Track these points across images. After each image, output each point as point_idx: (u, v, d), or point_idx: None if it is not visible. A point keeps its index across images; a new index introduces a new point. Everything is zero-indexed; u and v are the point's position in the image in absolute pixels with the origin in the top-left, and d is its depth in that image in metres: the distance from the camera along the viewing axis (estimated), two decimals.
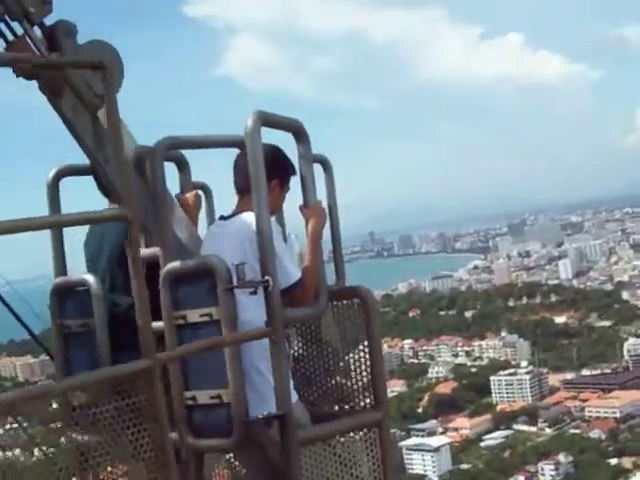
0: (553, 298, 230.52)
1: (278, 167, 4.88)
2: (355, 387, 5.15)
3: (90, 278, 5.00)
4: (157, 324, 4.44)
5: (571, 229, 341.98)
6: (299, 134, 4.80)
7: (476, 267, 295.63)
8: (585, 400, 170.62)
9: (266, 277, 4.37)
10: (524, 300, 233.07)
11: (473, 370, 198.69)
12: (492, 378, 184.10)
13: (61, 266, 5.47)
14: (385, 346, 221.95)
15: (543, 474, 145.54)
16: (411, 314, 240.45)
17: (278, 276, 4.52)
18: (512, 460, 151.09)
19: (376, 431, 4.97)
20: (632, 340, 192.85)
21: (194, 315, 4.45)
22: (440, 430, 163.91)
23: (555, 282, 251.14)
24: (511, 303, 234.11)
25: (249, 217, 4.68)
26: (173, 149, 4.97)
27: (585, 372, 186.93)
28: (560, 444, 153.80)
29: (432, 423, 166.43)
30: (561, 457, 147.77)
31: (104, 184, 5.10)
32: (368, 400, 5.10)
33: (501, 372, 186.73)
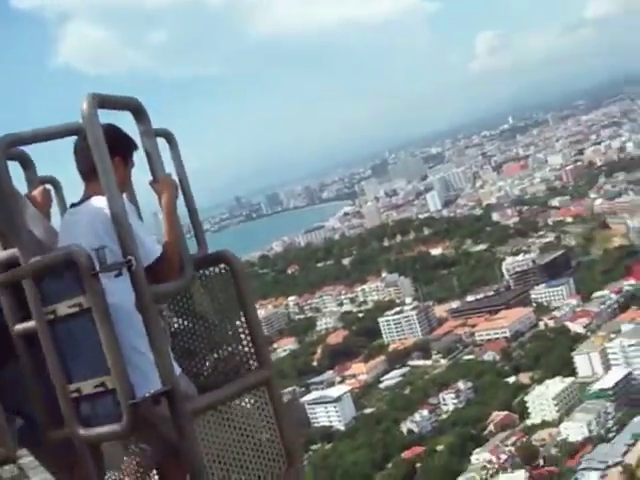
0: (426, 231, 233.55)
1: (117, 144, 4.68)
2: (237, 352, 5.06)
3: None
4: (26, 325, 4.58)
5: (433, 161, 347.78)
6: (137, 111, 4.71)
7: (346, 214, 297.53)
8: (474, 325, 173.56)
9: (128, 257, 4.29)
10: (398, 238, 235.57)
11: (360, 315, 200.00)
12: (380, 320, 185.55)
13: None
14: (270, 306, 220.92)
15: (445, 404, 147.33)
16: (290, 271, 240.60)
17: (139, 254, 4.44)
18: (413, 396, 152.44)
19: (265, 390, 4.93)
20: (509, 259, 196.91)
21: (63, 307, 4.31)
22: (338, 379, 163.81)
23: (425, 215, 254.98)
24: (386, 243, 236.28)
25: (99, 200, 4.61)
26: (13, 146, 4.78)
27: (469, 298, 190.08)
28: (457, 372, 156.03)
29: (329, 374, 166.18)
30: (460, 384, 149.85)
31: None
32: (253, 363, 5.01)
33: (388, 312, 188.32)
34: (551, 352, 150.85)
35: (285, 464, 5.02)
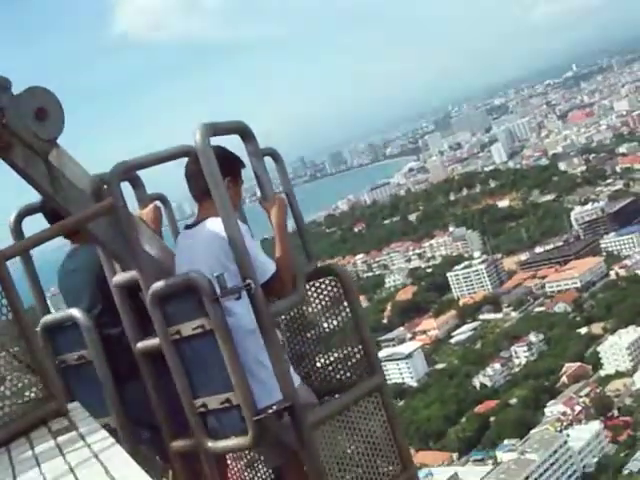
0: (492, 184, 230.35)
1: (227, 165, 4.80)
2: (348, 358, 5.26)
3: (77, 313, 5.16)
4: (148, 343, 4.91)
5: (496, 112, 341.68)
6: (245, 134, 4.91)
7: (411, 169, 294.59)
8: (544, 277, 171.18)
9: (247, 281, 4.49)
10: (464, 192, 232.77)
11: (429, 271, 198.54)
12: (449, 274, 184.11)
13: (42, 303, 5.67)
14: None
15: (517, 357, 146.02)
16: (357, 229, 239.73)
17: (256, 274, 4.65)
18: (485, 350, 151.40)
19: (378, 395, 5.10)
20: (578, 209, 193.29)
21: (187, 329, 4.57)
22: (409, 336, 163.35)
23: (491, 168, 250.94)
24: (452, 197, 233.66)
25: (215, 223, 4.77)
26: (127, 174, 5.02)
27: (538, 249, 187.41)
28: (528, 325, 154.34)
29: (400, 331, 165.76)
30: (532, 337, 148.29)
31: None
32: (363, 368, 5.22)
33: (456, 267, 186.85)
34: (623, 301, 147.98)
35: (399, 466, 5.19)
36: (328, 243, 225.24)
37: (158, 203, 5.77)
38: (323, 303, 5.43)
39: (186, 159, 5.16)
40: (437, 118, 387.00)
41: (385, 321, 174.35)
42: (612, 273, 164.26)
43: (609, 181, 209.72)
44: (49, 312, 5.66)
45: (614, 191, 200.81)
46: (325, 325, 5.49)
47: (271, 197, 5.07)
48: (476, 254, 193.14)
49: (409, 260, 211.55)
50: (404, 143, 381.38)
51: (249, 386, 4.61)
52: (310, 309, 5.49)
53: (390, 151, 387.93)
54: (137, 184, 5.58)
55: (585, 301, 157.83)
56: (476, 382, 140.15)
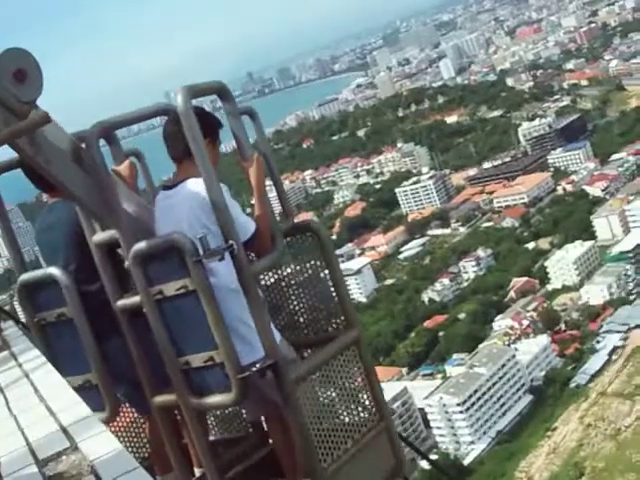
0: (440, 99, 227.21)
1: (206, 127, 4.78)
2: (323, 311, 5.33)
3: (56, 271, 5.13)
4: (129, 300, 4.92)
5: (445, 28, 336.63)
6: (223, 93, 4.89)
7: (359, 85, 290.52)
8: (492, 192, 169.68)
9: (230, 242, 4.53)
10: (412, 108, 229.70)
11: (377, 187, 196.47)
12: (397, 190, 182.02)
13: (19, 261, 5.62)
14: (286, 182, 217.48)
15: (466, 272, 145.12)
16: (305, 145, 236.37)
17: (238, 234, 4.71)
18: (433, 265, 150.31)
19: (355, 349, 5.18)
20: (525, 125, 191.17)
21: (170, 289, 4.60)
22: (358, 252, 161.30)
23: (439, 83, 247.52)
24: (400, 113, 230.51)
25: (196, 184, 4.76)
26: (105, 133, 5.02)
27: (486, 165, 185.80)
28: (476, 240, 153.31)
29: (349, 247, 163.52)
30: (480, 252, 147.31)
31: (46, 181, 5.01)
32: (338, 321, 5.29)
33: (405, 183, 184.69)
34: (570, 216, 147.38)
35: (376, 416, 5.21)
36: (276, 159, 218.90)
37: (133, 159, 5.56)
38: (300, 258, 5.36)
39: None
40: (385, 34, 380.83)
41: (334, 237, 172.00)
42: (559, 188, 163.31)
43: (556, 97, 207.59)
44: (26, 270, 5.49)
45: (561, 107, 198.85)
46: (302, 280, 5.39)
47: (249, 157, 5.00)
48: (424, 170, 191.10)
49: (358, 176, 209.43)
50: (352, 59, 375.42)
51: (232, 344, 4.59)
52: (287, 265, 5.40)
53: (338, 67, 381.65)
54: (112, 141, 5.38)
55: (532, 216, 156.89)
56: (425, 297, 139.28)
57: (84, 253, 5.12)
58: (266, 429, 5.62)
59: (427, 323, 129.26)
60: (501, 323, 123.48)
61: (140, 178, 5.70)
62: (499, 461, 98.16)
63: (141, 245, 4.67)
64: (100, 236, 5.03)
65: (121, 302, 4.99)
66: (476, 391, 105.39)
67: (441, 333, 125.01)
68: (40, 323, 5.40)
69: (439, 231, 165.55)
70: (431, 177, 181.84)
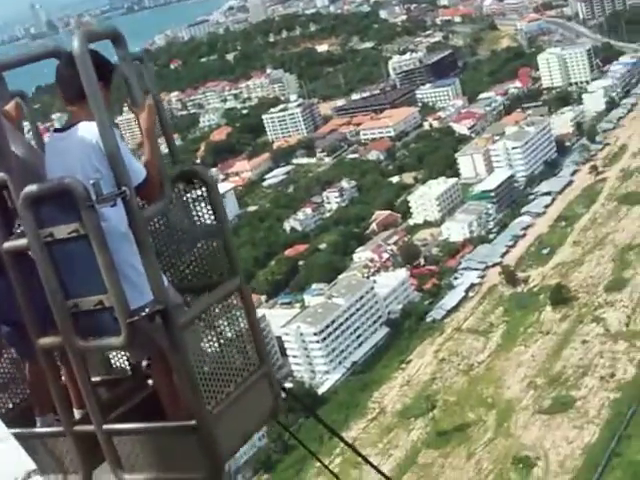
0: (312, 27, 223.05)
1: (100, 70, 4.67)
2: (206, 257, 5.37)
3: None
4: (16, 242, 4.80)
5: None
6: (117, 39, 4.77)
7: (231, 8, 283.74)
8: (359, 124, 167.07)
9: (123, 188, 4.52)
10: (284, 34, 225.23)
11: (244, 112, 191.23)
12: (264, 117, 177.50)
13: None
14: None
15: (329, 202, 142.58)
16: (172, 66, 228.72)
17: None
18: (297, 194, 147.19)
19: (238, 295, 5.25)
20: (396, 58, 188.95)
21: (61, 232, 4.56)
22: (222, 177, 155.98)
23: (312, 11, 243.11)
24: (271, 39, 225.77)
25: (89, 128, 4.69)
26: None
27: (355, 96, 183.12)
28: (341, 171, 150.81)
29: (213, 172, 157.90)
30: (344, 183, 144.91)
31: None
32: (222, 268, 5.32)
33: (272, 109, 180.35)
34: (435, 152, 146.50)
35: (257, 361, 5.26)
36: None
37: (18, 99, 5.48)
38: (186, 205, 5.34)
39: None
40: None
41: (198, 161, 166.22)
42: (426, 124, 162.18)
43: (429, 32, 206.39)
44: None
45: (433, 43, 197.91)
46: (187, 226, 5.39)
47: (140, 102, 4.89)
48: (292, 97, 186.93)
49: (225, 100, 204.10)
50: None
51: (122, 289, 4.56)
52: (174, 211, 5.32)
53: None
54: None
55: (398, 150, 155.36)
56: (287, 226, 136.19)
57: None
58: (145, 371, 5.57)
59: (288, 252, 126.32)
60: (361, 255, 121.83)
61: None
62: (353, 391, 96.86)
63: (32, 188, 4.60)
64: None
65: (7, 244, 4.85)
66: (333, 321, 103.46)
67: (301, 262, 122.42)
68: None
69: (304, 160, 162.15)
70: (299, 105, 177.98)
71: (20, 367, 5.68)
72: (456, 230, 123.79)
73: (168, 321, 4.66)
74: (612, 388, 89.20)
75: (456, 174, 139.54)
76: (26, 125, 5.85)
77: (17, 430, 5.03)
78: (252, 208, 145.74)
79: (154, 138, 4.93)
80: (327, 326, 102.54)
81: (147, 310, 4.60)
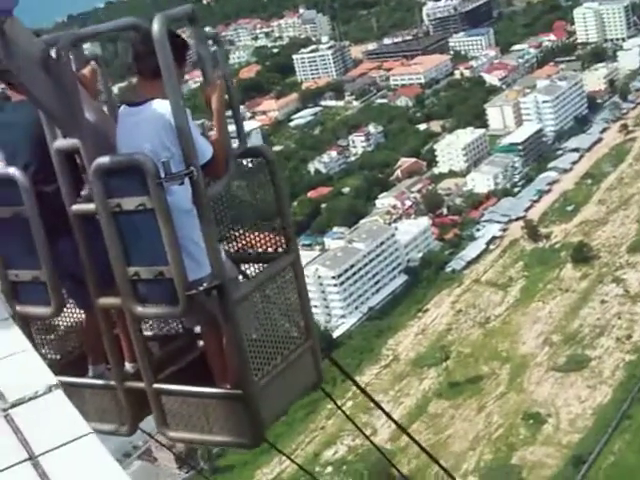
0: None
1: (175, 50, 4.76)
2: (266, 234, 5.50)
3: (16, 172, 5.12)
4: (84, 206, 4.99)
5: None
6: (193, 19, 4.94)
7: None
8: (389, 69, 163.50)
9: (191, 168, 4.62)
10: None
11: (275, 51, 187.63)
12: (295, 57, 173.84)
13: None
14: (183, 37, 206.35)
15: (355, 146, 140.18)
16: (205, 1, 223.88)
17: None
18: (323, 136, 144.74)
19: (292, 271, 5.33)
20: (430, 4, 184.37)
21: (129, 204, 4.68)
22: (248, 115, 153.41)
23: None
24: None
25: (162, 106, 4.78)
26: (75, 44, 5.08)
27: (387, 41, 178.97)
28: (368, 115, 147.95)
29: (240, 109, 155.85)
30: (371, 128, 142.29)
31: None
32: (278, 243, 5.44)
33: (303, 50, 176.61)
34: (464, 102, 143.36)
35: (304, 335, 5.37)
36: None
37: (93, 64, 5.49)
38: (249, 181, 5.45)
39: None
40: None
41: (226, 97, 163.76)
42: (457, 73, 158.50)
43: None
44: None
45: None
46: (248, 201, 5.53)
47: (213, 81, 5.02)
48: (324, 39, 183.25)
49: (256, 38, 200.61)
50: None
51: (184, 264, 4.67)
52: (236, 186, 5.46)
53: None
54: (76, 45, 5.25)
55: (427, 98, 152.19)
56: (311, 168, 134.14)
57: (44, 154, 5.06)
58: (196, 332, 5.73)
59: (311, 193, 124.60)
60: (384, 201, 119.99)
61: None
62: (368, 337, 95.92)
63: (104, 160, 4.72)
64: (61, 143, 5.00)
65: (76, 207, 5.04)
66: (352, 266, 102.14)
67: (323, 205, 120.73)
68: None
69: (332, 102, 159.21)
70: (330, 47, 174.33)
71: (75, 319, 5.86)
72: (481, 181, 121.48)
73: (223, 295, 4.78)
74: (628, 350, 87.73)
75: (484, 125, 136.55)
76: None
77: (70, 379, 5.33)
78: (277, 148, 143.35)
79: (223, 117, 4.96)
80: (346, 270, 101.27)
81: (205, 285, 4.73)
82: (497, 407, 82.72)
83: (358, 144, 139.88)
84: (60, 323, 5.93)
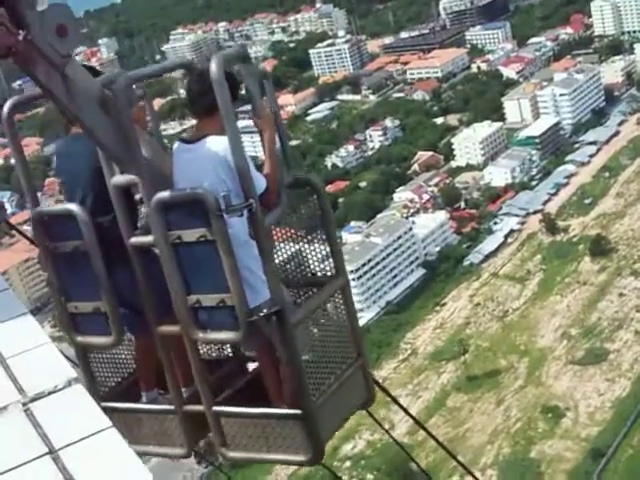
0: None
1: (231, 89, 4.96)
2: (315, 258, 5.65)
3: (75, 208, 5.31)
4: (143, 239, 5.21)
5: None
6: (245, 58, 5.17)
7: None
8: (406, 63, 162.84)
9: (250, 201, 4.80)
10: None
11: (291, 45, 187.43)
12: (311, 51, 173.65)
13: (34, 195, 5.75)
14: (200, 32, 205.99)
15: (372, 140, 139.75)
16: None
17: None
18: (340, 130, 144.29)
19: (342, 294, 5.52)
20: None
21: (190, 236, 4.89)
22: None
23: None
24: None
25: (218, 143, 5.01)
26: (132, 84, 5.25)
27: (403, 35, 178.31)
28: (386, 109, 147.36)
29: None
30: (388, 122, 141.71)
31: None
32: (328, 268, 5.62)
33: (319, 44, 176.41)
34: (482, 96, 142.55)
35: (355, 355, 5.57)
36: (190, 7, 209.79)
37: (142, 102, 5.76)
38: (297, 208, 5.63)
39: None
40: None
41: (242, 92, 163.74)
42: (474, 66, 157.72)
43: None
44: (37, 201, 5.67)
45: None
46: (297, 228, 5.73)
47: (263, 115, 5.19)
48: (340, 33, 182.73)
49: (272, 33, 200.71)
50: None
51: (244, 291, 4.84)
52: (287, 216, 5.62)
53: None
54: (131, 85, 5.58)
55: (444, 91, 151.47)
56: (328, 162, 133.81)
57: (102, 185, 5.25)
58: (245, 356, 6.00)
59: (328, 188, 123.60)
60: (401, 195, 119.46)
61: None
62: (386, 331, 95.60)
63: (165, 195, 4.92)
64: (119, 179, 5.22)
65: (134, 239, 5.24)
66: (370, 260, 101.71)
67: (341, 199, 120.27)
68: (52, 251, 5.51)
69: (349, 97, 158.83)
70: (347, 41, 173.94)
71: (128, 346, 6.01)
72: (498, 175, 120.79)
73: (282, 320, 4.98)
74: None
75: (501, 118, 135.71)
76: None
77: (127, 405, 5.70)
78: (294, 142, 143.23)
79: (274, 149, 5.16)
80: (363, 264, 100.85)
81: (265, 310, 4.93)
82: (515, 401, 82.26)
83: (375, 138, 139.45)
84: (115, 352, 6.07)
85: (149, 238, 5.12)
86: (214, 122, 4.95)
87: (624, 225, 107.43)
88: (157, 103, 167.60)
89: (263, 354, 5.55)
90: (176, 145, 5.34)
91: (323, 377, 5.30)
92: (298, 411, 5.11)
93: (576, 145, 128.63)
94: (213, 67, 4.73)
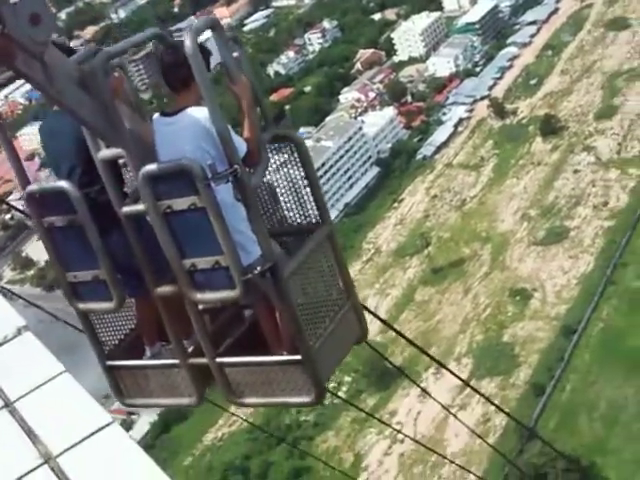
0: None
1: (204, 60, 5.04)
2: (299, 207, 5.73)
3: (66, 185, 5.33)
4: (134, 208, 5.22)
5: None
6: (215, 27, 5.11)
7: None
8: None
9: (235, 167, 4.83)
10: None
11: None
12: None
13: (23, 174, 5.75)
14: None
15: (311, 44, 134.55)
16: None
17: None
18: (278, 37, 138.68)
19: (328, 242, 5.58)
20: None
21: (180, 204, 4.92)
22: None
23: None
24: None
25: (197, 113, 5.02)
26: (109, 61, 5.21)
27: None
28: (322, 11, 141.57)
29: (191, 20, 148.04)
30: (325, 23, 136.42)
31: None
32: (313, 217, 5.66)
33: None
34: None
35: (345, 295, 5.62)
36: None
37: (120, 72, 5.67)
38: (279, 163, 5.68)
39: None
40: None
41: (176, 10, 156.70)
42: None
43: None
44: (28, 180, 5.67)
45: None
46: (280, 181, 5.79)
47: (238, 80, 5.16)
48: None
49: None
50: None
51: (237, 252, 4.92)
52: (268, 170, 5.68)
53: None
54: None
55: None
56: (270, 70, 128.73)
57: (88, 156, 5.29)
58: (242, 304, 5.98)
59: (273, 97, 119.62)
60: (347, 96, 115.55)
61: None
62: (347, 233, 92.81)
63: (152, 167, 4.97)
64: (105, 153, 5.28)
65: (126, 209, 5.26)
66: (323, 164, 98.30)
67: (287, 107, 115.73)
68: (47, 226, 5.59)
69: (284, 2, 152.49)
70: None
71: (127, 305, 5.94)
72: (442, 65, 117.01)
73: (276, 274, 5.02)
74: (606, 217, 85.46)
75: (439, 8, 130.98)
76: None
77: (133, 362, 5.78)
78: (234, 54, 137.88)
79: (253, 112, 5.11)
80: (317, 169, 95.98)
81: (259, 268, 4.97)
82: (483, 287, 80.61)
83: (314, 41, 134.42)
84: (115, 313, 6.04)
85: (140, 207, 5.14)
86: (192, 93, 4.96)
87: (572, 102, 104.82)
88: (91, 31, 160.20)
89: (260, 305, 5.59)
90: (155, 118, 5.30)
91: (318, 322, 5.38)
92: (298, 357, 5.19)
93: (516, 26, 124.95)
94: (187, 42, 4.66)
